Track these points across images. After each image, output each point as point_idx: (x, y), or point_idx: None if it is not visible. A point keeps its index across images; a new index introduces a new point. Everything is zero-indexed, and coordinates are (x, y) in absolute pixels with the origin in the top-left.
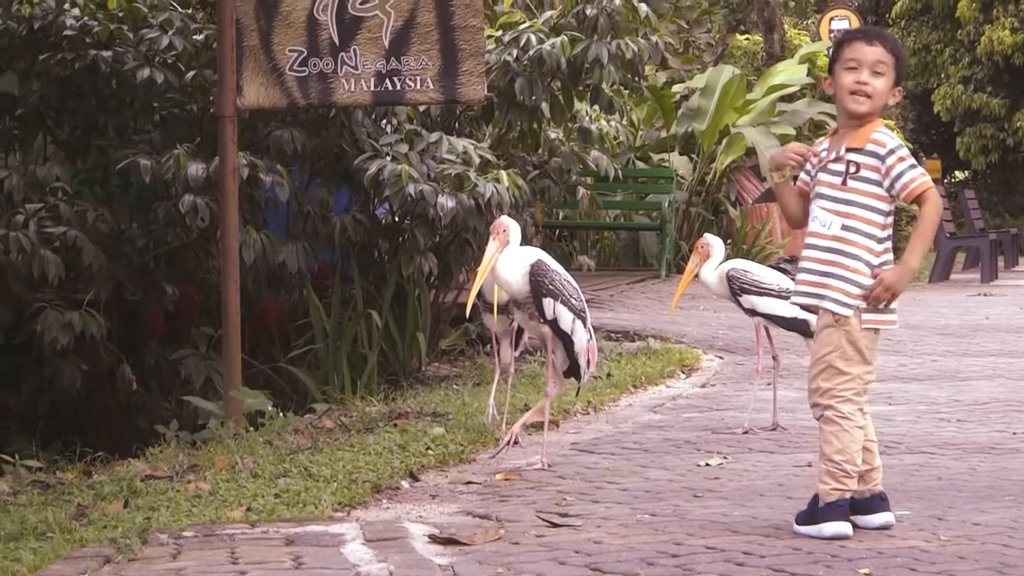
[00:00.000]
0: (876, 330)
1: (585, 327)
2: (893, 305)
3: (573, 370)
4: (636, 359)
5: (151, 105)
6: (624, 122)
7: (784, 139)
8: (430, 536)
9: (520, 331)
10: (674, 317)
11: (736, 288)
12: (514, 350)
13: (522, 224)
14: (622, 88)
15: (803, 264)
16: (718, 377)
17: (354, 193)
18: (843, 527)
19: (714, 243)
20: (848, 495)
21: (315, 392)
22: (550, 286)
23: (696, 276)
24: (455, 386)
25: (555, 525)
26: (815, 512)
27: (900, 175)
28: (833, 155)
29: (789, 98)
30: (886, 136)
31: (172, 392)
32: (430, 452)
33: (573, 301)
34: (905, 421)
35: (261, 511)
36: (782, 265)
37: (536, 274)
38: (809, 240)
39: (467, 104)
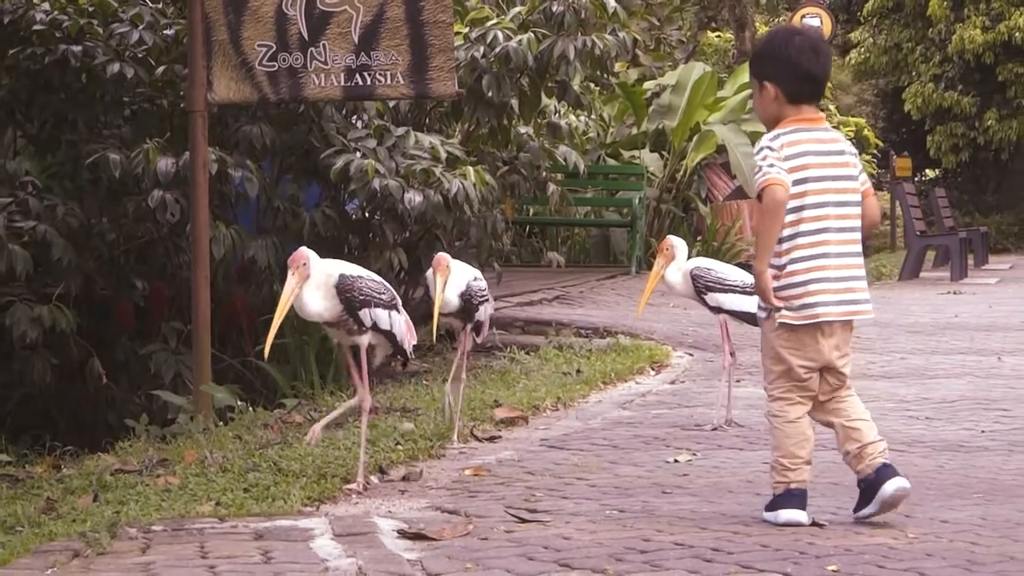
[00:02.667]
0: (791, 327)
1: (398, 311)
2: (809, 300)
3: (399, 352)
4: (606, 355)
5: (121, 100)
6: (595, 118)
7: (754, 136)
8: (399, 531)
9: (479, 325)
10: (644, 314)
11: (701, 286)
12: (477, 338)
13: (491, 219)
14: (591, 84)
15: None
16: (687, 374)
17: (324, 188)
18: (796, 515)
19: (678, 244)
20: (794, 485)
21: (284, 387)
22: (360, 296)
23: (662, 278)
24: (424, 382)
25: (524, 521)
26: (774, 500)
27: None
28: None
29: None
30: (758, 143)
31: (142, 386)
32: (399, 447)
33: (382, 297)
34: (873, 418)
35: (230, 505)
36: (751, 262)
37: (344, 291)
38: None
39: (438, 99)
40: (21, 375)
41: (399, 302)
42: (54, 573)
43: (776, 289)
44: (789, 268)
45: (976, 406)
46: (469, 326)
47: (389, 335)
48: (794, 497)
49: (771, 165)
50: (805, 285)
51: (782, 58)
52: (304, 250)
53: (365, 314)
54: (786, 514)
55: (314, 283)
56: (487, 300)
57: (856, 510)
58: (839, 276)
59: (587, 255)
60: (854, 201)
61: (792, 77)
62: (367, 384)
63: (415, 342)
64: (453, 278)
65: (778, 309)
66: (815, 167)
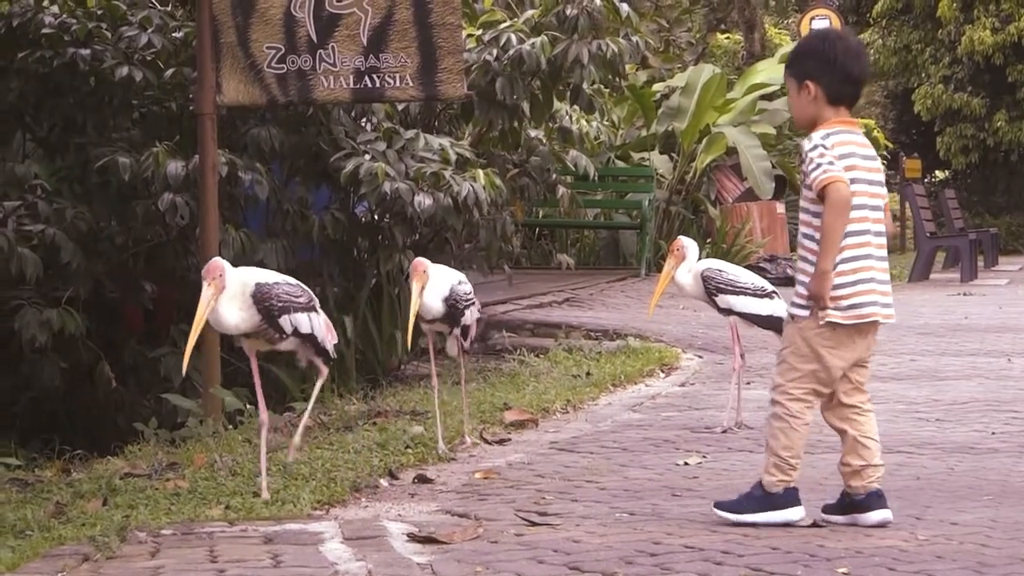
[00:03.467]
0: (835, 326)
1: (316, 312)
2: (855, 301)
3: (320, 353)
4: (615, 358)
5: (130, 103)
6: (605, 121)
7: (764, 138)
8: (409, 535)
9: (466, 329)
10: (653, 316)
11: (712, 288)
12: (464, 343)
13: (501, 222)
14: (602, 88)
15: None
16: (697, 376)
17: (333, 191)
18: (798, 511)
19: (689, 245)
20: (792, 484)
21: (294, 390)
22: (278, 303)
23: (673, 279)
24: (434, 385)
25: (534, 524)
26: (768, 501)
27: (810, 176)
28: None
29: (769, 97)
30: (807, 141)
31: (151, 390)
32: (409, 451)
33: (300, 301)
34: (884, 420)
35: (240, 509)
36: (761, 264)
37: (262, 300)
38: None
39: (447, 101)
40: (30, 379)
41: (316, 303)
42: None
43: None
44: (839, 268)
45: (987, 408)
46: (456, 330)
47: (310, 338)
48: (792, 495)
49: (830, 163)
50: (854, 285)
51: (826, 59)
52: (218, 260)
53: (285, 321)
54: (790, 513)
55: (229, 294)
56: (472, 303)
57: (827, 511)
58: (883, 279)
59: (597, 257)
60: (883, 206)
61: (836, 78)
62: (263, 401)
63: (335, 341)
64: (435, 283)
65: (824, 308)
66: (861, 169)
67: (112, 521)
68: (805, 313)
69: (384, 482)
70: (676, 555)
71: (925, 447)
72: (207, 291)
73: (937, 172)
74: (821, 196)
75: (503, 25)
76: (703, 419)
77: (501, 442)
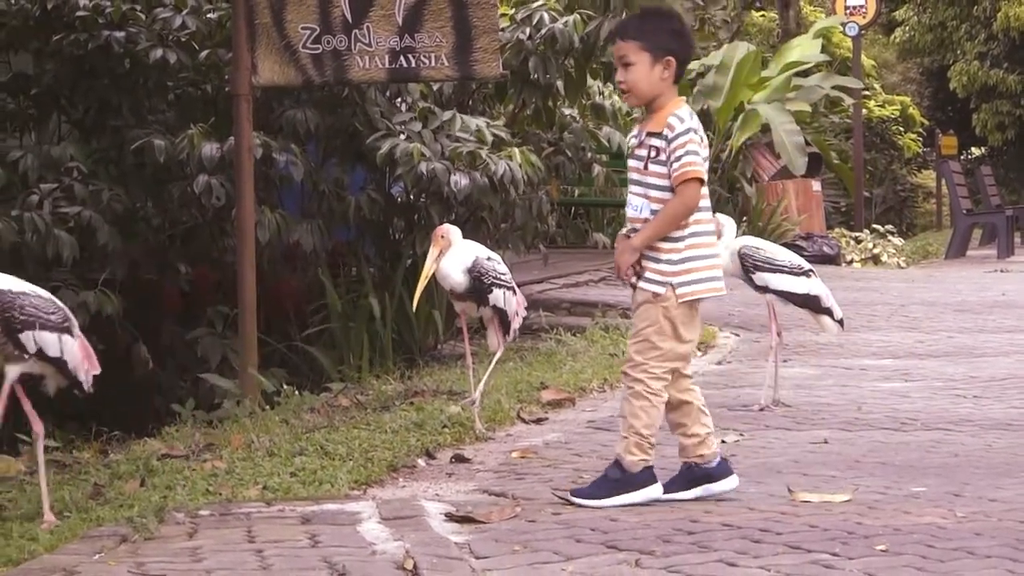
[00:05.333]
0: (693, 303)
1: (71, 334)
2: (708, 274)
3: (74, 385)
4: None
5: (165, 85)
6: None
7: (800, 116)
8: (446, 514)
9: (503, 315)
10: None
11: (749, 265)
12: (504, 335)
13: (537, 201)
14: None
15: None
16: (734, 354)
17: (369, 172)
18: (656, 489)
19: (725, 222)
20: (651, 462)
21: (331, 371)
22: (21, 316)
23: None
24: (472, 364)
25: (571, 503)
26: (626, 482)
27: (676, 159)
28: (637, 141)
29: (804, 73)
30: (678, 120)
31: (188, 371)
32: (446, 430)
33: (51, 318)
34: (921, 398)
35: (277, 489)
36: (797, 242)
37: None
38: (630, 225)
39: (482, 81)
40: None
41: (73, 324)
42: (102, 558)
43: (676, 262)
44: (692, 242)
45: None
46: (487, 310)
47: (59, 363)
48: (649, 472)
49: (697, 154)
50: (706, 259)
51: (685, 38)
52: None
53: (27, 337)
54: (651, 490)
55: None
56: (506, 287)
57: (670, 489)
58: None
59: None
60: None
61: (686, 59)
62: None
63: (97, 371)
64: (458, 252)
65: (684, 284)
66: (706, 147)
67: (150, 502)
68: (663, 290)
69: (421, 462)
70: (714, 533)
71: (963, 424)
72: None
73: (973, 149)
74: (674, 182)
75: (536, 4)
76: (740, 397)
77: (538, 421)
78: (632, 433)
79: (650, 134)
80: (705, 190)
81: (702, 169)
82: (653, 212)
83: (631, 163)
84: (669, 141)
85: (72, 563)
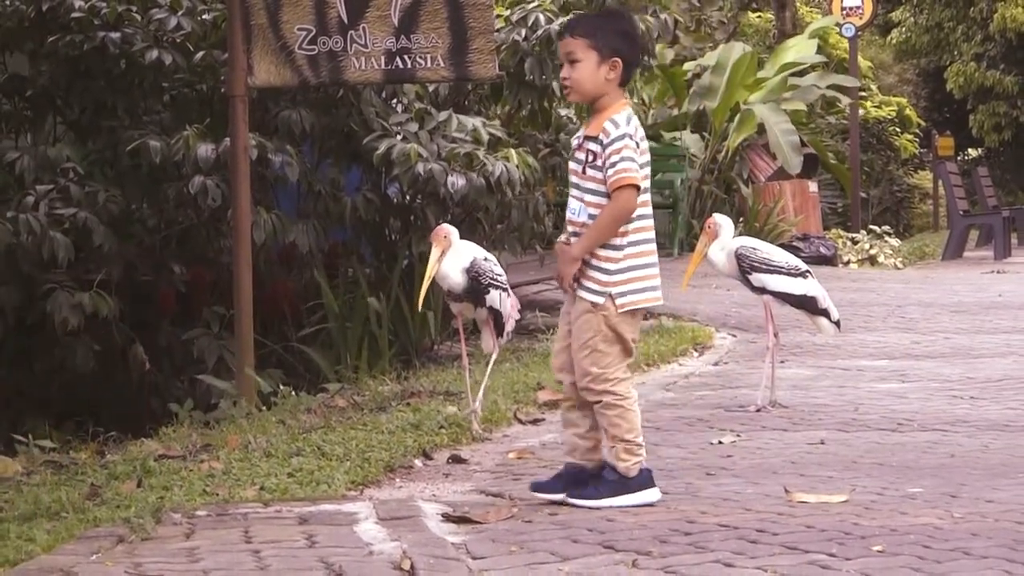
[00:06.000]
0: (634, 311)
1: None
2: (648, 283)
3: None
4: (649, 337)
5: (160, 86)
6: (636, 100)
7: (796, 116)
8: (443, 515)
9: (498, 316)
10: (686, 295)
11: (746, 266)
12: (498, 337)
13: (533, 202)
14: None
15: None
16: (731, 355)
17: (365, 172)
18: (655, 493)
19: (723, 222)
20: (644, 463)
21: (327, 371)
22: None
23: (705, 256)
24: (468, 365)
25: (568, 503)
26: (623, 485)
27: (611, 165)
28: (577, 143)
29: (801, 74)
30: (613, 125)
31: (184, 372)
32: (443, 431)
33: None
34: (918, 399)
35: (274, 490)
36: (794, 243)
37: None
38: (568, 228)
39: (478, 82)
40: (63, 361)
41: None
42: (99, 559)
43: (615, 272)
44: (631, 251)
45: (1021, 385)
46: (483, 311)
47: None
48: (647, 476)
49: (633, 161)
50: (647, 268)
51: (633, 40)
52: None
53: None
54: (650, 493)
55: None
56: (502, 288)
57: (550, 489)
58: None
59: None
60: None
61: (633, 62)
62: None
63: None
64: (457, 252)
65: (623, 294)
66: (645, 153)
67: (147, 503)
68: (602, 300)
69: (418, 462)
70: (711, 533)
71: (959, 425)
72: None
73: (970, 150)
74: (609, 188)
75: (531, 5)
76: (737, 398)
77: (535, 422)
78: (618, 441)
79: (587, 138)
80: (645, 197)
81: (638, 176)
82: (591, 216)
83: (571, 166)
84: (604, 146)
85: (69, 563)
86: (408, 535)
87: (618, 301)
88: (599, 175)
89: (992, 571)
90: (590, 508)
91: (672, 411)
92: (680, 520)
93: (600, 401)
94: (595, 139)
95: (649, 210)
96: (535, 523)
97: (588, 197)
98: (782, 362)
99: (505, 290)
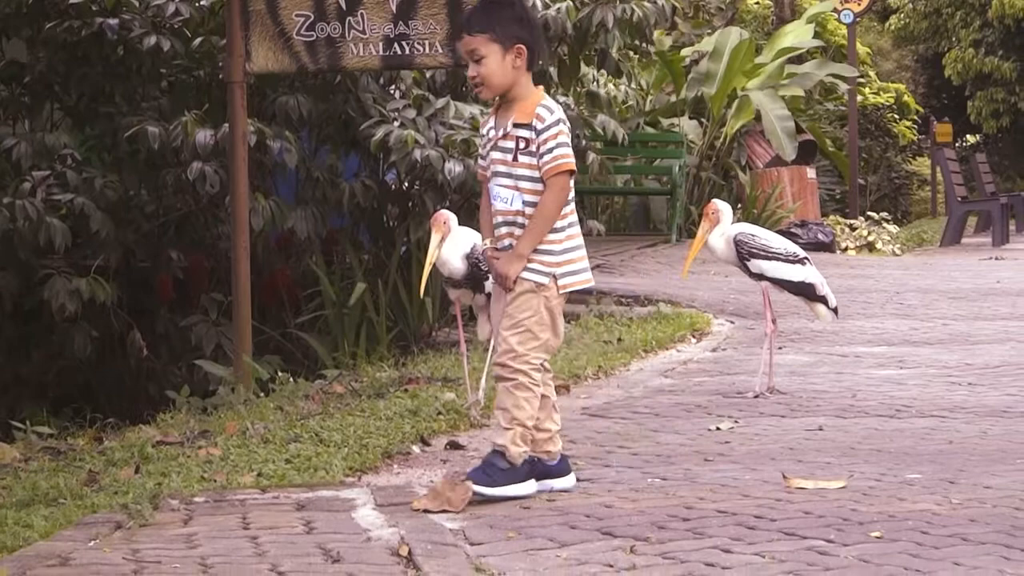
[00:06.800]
0: (566, 296)
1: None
2: (582, 264)
3: None
4: (647, 324)
5: (158, 72)
6: (634, 87)
7: (794, 103)
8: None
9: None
10: (684, 281)
11: (744, 252)
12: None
13: None
14: (630, 52)
15: (502, 243)
16: (729, 341)
17: (363, 159)
18: (532, 485)
19: (723, 208)
20: (531, 454)
21: (325, 358)
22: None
23: (705, 242)
24: (466, 352)
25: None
26: (515, 473)
27: (547, 151)
28: (502, 132)
29: (799, 60)
30: (547, 111)
31: (182, 358)
32: (441, 417)
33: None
34: (916, 385)
35: (272, 476)
36: (792, 229)
37: None
38: (498, 218)
39: None
40: (61, 348)
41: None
42: (96, 545)
43: (559, 252)
44: (571, 232)
45: (1019, 371)
46: (481, 297)
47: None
48: (531, 466)
49: (568, 146)
50: (578, 249)
51: (531, 23)
52: None
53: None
54: (530, 485)
55: None
56: None
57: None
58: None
59: (627, 224)
60: None
61: (535, 44)
62: None
63: None
64: (457, 238)
65: (565, 275)
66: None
67: (145, 489)
68: (547, 280)
69: (416, 449)
70: (709, 520)
71: (957, 411)
72: None
73: (968, 136)
74: (545, 175)
75: None
76: (735, 384)
77: None
78: (516, 424)
79: (517, 125)
80: (571, 182)
81: (573, 161)
82: (525, 203)
83: (495, 155)
84: (539, 132)
85: (67, 549)
86: (406, 521)
87: (560, 282)
88: (532, 161)
89: (990, 557)
90: (484, 496)
91: (670, 397)
92: (678, 506)
93: (514, 380)
94: (526, 126)
95: (572, 193)
96: (533, 509)
97: (523, 184)
98: (780, 348)
99: None
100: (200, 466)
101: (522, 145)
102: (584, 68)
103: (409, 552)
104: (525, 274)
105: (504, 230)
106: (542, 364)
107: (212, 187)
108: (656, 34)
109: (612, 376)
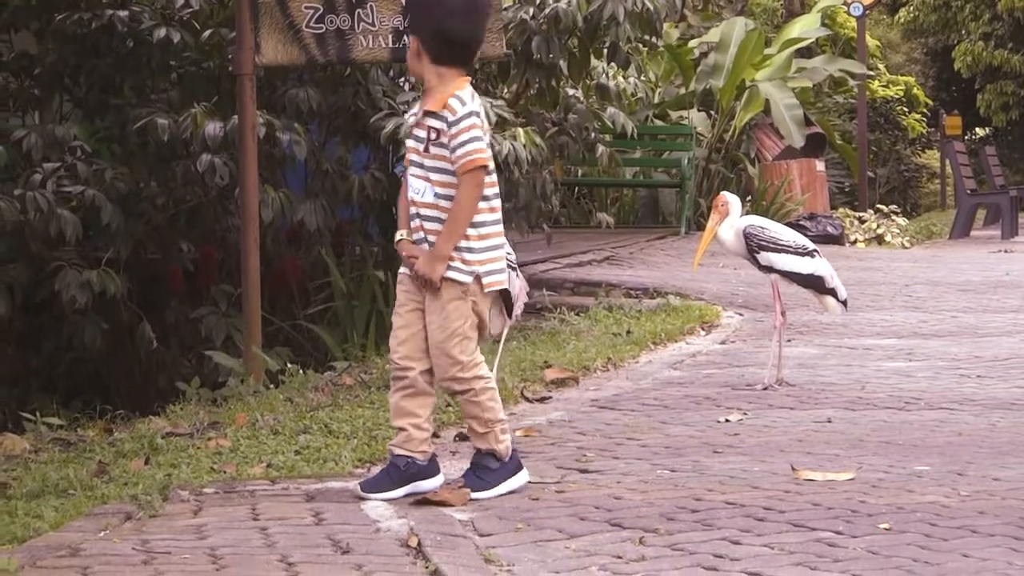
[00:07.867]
0: (491, 295)
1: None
2: (502, 264)
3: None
4: (656, 316)
5: (168, 64)
6: (643, 79)
7: (803, 95)
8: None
9: (507, 297)
10: (694, 274)
11: (754, 245)
12: (507, 317)
13: (540, 181)
14: (640, 45)
15: (415, 235)
16: (738, 334)
17: (372, 151)
18: (526, 475)
19: (732, 201)
20: (513, 446)
21: (335, 349)
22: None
23: (715, 234)
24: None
25: (575, 481)
26: (506, 469)
27: (459, 145)
28: (415, 119)
29: (808, 54)
30: (459, 103)
31: (192, 350)
32: (450, 408)
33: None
34: (925, 377)
35: (282, 468)
36: (801, 222)
37: None
38: (411, 209)
39: (485, 61)
40: (72, 339)
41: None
42: (107, 535)
43: (479, 250)
44: (490, 230)
45: None
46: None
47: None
48: (517, 455)
49: (481, 140)
50: (500, 249)
51: (427, 9)
52: None
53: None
54: (524, 475)
55: None
56: (511, 267)
57: (379, 487)
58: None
59: (636, 216)
60: None
61: (432, 29)
62: None
63: None
64: None
65: (488, 273)
66: (487, 128)
67: (154, 480)
68: (469, 280)
69: None
70: (717, 511)
71: (966, 403)
72: None
73: (977, 129)
74: (459, 170)
75: None
76: (744, 376)
77: (542, 400)
78: (494, 424)
79: (428, 113)
80: (492, 177)
81: (487, 156)
82: (437, 195)
83: (409, 143)
84: (450, 124)
85: (77, 540)
86: (415, 512)
87: (484, 280)
88: (444, 153)
89: (999, 548)
90: (483, 499)
91: (679, 389)
92: (687, 498)
93: (471, 389)
94: (437, 115)
95: (497, 189)
96: (542, 500)
97: (434, 176)
98: (789, 341)
99: (514, 269)
100: (210, 457)
101: (433, 136)
102: (594, 61)
103: (419, 543)
104: (449, 273)
105: (416, 222)
106: (481, 361)
107: (222, 179)
108: (665, 26)
109: (621, 368)
